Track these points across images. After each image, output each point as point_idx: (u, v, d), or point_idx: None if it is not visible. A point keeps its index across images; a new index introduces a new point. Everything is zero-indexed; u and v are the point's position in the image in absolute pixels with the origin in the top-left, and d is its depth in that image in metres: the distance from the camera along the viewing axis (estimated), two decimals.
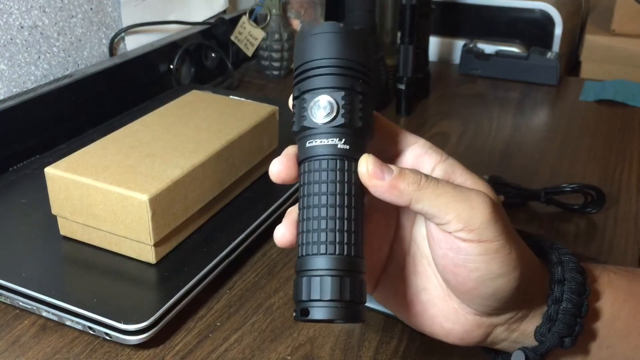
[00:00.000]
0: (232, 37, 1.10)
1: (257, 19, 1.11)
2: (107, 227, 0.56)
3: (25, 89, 0.80)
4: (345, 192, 0.33)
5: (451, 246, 0.34)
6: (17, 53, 0.79)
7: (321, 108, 0.33)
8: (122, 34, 0.94)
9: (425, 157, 0.36)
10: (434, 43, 1.16)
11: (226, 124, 0.65)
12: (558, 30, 1.09)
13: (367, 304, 0.52)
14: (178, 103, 0.70)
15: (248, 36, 1.10)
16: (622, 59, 1.22)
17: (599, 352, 0.39)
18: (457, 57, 1.15)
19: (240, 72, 1.14)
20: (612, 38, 1.23)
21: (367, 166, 0.33)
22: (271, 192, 0.67)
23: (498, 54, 1.09)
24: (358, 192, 0.34)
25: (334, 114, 0.33)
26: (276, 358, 0.51)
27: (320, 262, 0.32)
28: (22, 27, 0.79)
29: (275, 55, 1.09)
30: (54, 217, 0.59)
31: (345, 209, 0.33)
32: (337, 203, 0.33)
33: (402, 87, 0.94)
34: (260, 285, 0.59)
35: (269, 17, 1.09)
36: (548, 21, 1.09)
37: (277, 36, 1.09)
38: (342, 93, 0.33)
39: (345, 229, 0.32)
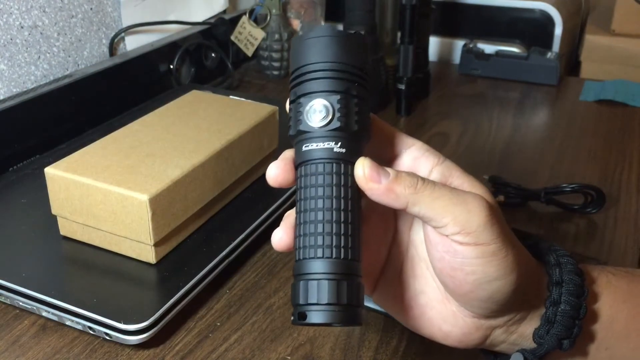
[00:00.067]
0: (232, 37, 1.10)
1: (257, 19, 1.11)
2: (107, 227, 0.56)
3: (25, 89, 0.80)
4: (342, 195, 0.33)
5: (448, 249, 0.34)
6: (17, 53, 0.79)
7: (317, 112, 0.33)
8: (122, 34, 0.94)
9: (423, 160, 0.36)
10: (434, 43, 1.16)
11: (226, 124, 0.65)
12: (558, 30, 1.09)
13: (367, 305, 0.53)
14: (178, 103, 0.70)
15: (248, 36, 1.10)
16: (622, 59, 1.22)
17: (598, 354, 0.39)
18: (457, 57, 1.15)
19: (240, 72, 1.14)
20: (612, 38, 1.23)
21: (363, 169, 0.33)
22: (271, 192, 0.67)
23: (498, 54, 1.09)
24: (355, 195, 0.34)
25: (330, 117, 0.33)
26: (276, 358, 0.51)
27: (317, 266, 0.32)
28: (22, 27, 0.79)
29: (275, 55, 1.09)
30: (54, 217, 0.59)
31: (342, 213, 0.33)
32: (334, 207, 0.33)
33: (402, 87, 0.94)
34: (260, 285, 0.59)
35: (269, 17, 1.09)
36: (548, 21, 1.09)
37: (277, 36, 1.09)
38: (338, 96, 0.33)
39: (342, 232, 0.33)
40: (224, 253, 0.58)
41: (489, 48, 1.11)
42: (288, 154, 0.35)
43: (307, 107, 0.33)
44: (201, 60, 1.04)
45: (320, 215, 0.33)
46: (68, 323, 0.52)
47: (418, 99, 1.00)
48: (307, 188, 0.33)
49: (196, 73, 1.02)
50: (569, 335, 0.37)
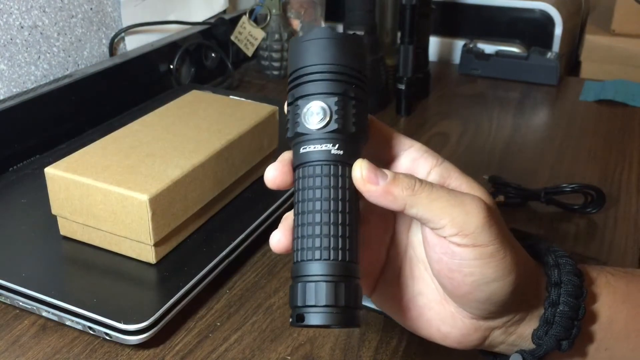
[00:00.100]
0: (232, 37, 1.10)
1: (257, 19, 1.11)
2: (107, 227, 0.56)
3: (25, 89, 0.80)
4: (340, 197, 0.33)
5: (446, 251, 0.34)
6: (17, 53, 0.79)
7: (314, 114, 0.33)
8: (122, 34, 0.94)
9: (421, 161, 0.36)
10: (434, 43, 1.16)
11: (226, 124, 0.65)
12: (558, 30, 1.09)
13: (367, 305, 0.53)
14: (178, 103, 0.70)
15: (248, 36, 1.10)
16: (622, 59, 1.22)
17: (598, 354, 0.39)
18: (457, 57, 1.15)
19: (240, 72, 1.14)
20: (612, 38, 1.23)
21: (361, 171, 0.33)
22: (271, 192, 0.66)
23: (498, 54, 1.09)
24: (352, 197, 0.34)
25: (327, 119, 0.33)
26: (276, 358, 0.51)
27: (315, 268, 0.32)
28: (22, 27, 0.79)
29: (275, 55, 1.09)
30: (54, 217, 0.59)
31: (340, 215, 0.33)
32: (332, 208, 0.33)
33: (402, 87, 0.94)
34: (260, 285, 0.59)
35: (269, 17, 1.09)
36: (548, 21, 1.09)
37: (277, 36, 1.09)
38: (335, 99, 0.33)
39: (340, 234, 0.33)
40: (224, 253, 0.58)
41: (489, 48, 1.11)
42: (286, 156, 0.35)
43: (305, 110, 0.34)
44: (201, 60, 1.04)
45: (317, 217, 0.33)
46: (68, 323, 0.52)
47: (418, 99, 1.00)
48: (304, 190, 0.33)
49: (196, 73, 1.02)
50: (568, 336, 0.37)
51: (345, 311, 0.32)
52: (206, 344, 0.52)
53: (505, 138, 0.89)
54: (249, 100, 0.72)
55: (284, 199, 0.66)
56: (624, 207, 0.71)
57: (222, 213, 0.64)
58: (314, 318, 0.32)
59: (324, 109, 0.33)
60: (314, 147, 0.33)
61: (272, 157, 0.70)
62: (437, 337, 0.38)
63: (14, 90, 0.79)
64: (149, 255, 0.56)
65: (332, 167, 0.33)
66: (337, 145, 0.33)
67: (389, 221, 0.39)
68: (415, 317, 0.38)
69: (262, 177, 0.35)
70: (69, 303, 0.51)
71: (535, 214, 0.70)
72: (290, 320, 0.33)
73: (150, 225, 0.54)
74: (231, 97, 0.76)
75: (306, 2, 1.14)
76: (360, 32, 0.92)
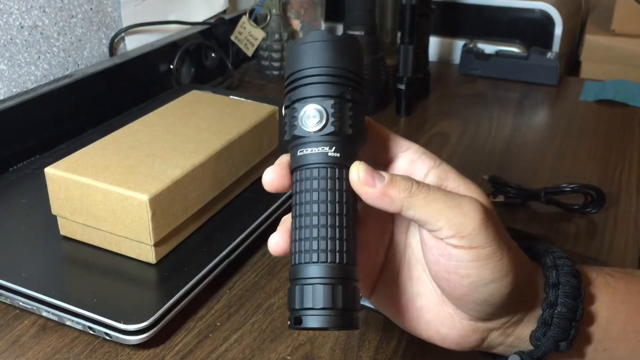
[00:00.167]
0: (232, 37, 1.10)
1: (257, 19, 1.11)
2: (107, 227, 0.56)
3: (25, 89, 0.80)
4: (337, 199, 0.33)
5: (443, 252, 0.34)
6: (17, 53, 0.79)
7: (311, 117, 0.33)
8: (122, 34, 0.94)
9: (419, 163, 0.36)
10: (434, 43, 1.16)
11: (226, 124, 0.65)
12: (558, 30, 1.09)
13: (367, 305, 0.53)
14: (178, 103, 0.70)
15: (248, 36, 1.10)
16: (622, 59, 1.22)
17: (596, 355, 0.39)
18: (457, 57, 1.15)
19: (240, 72, 1.14)
20: (612, 38, 1.23)
21: (358, 173, 0.33)
22: (271, 192, 0.67)
23: (498, 54, 1.09)
24: (350, 199, 0.34)
25: (324, 122, 0.33)
26: (276, 358, 0.51)
27: (313, 271, 0.32)
28: (22, 27, 0.79)
29: (275, 55, 1.09)
30: (54, 217, 0.59)
31: (337, 217, 0.33)
32: (329, 211, 0.33)
33: (402, 87, 0.94)
34: (260, 285, 0.59)
35: (269, 17, 1.09)
36: (548, 21, 1.09)
37: (277, 36, 1.09)
38: (332, 101, 0.33)
39: (337, 236, 0.33)
40: (224, 253, 0.58)
41: (489, 48, 1.11)
42: (284, 159, 0.36)
43: (302, 112, 0.34)
44: (201, 60, 1.04)
45: (315, 220, 0.33)
46: (68, 323, 0.52)
47: (418, 99, 1.00)
48: (302, 193, 0.34)
49: (196, 73, 1.02)
50: (566, 337, 0.37)
51: (343, 313, 0.32)
52: (206, 344, 0.52)
53: (505, 138, 0.89)
54: (249, 100, 0.72)
55: (284, 199, 0.66)
56: (624, 207, 0.71)
57: (222, 213, 0.64)
58: (312, 321, 0.32)
59: (320, 112, 0.33)
60: (311, 150, 0.33)
61: (272, 157, 0.70)
62: (435, 338, 0.38)
63: (14, 90, 0.79)
64: (149, 255, 0.56)
65: (329, 169, 0.33)
66: (334, 148, 0.33)
67: (387, 223, 0.39)
68: (413, 319, 0.38)
69: (261, 177, 0.36)
70: (69, 303, 0.51)
71: (535, 214, 0.70)
72: (289, 323, 0.33)
73: (150, 225, 0.54)
74: (231, 97, 0.76)
75: (306, 2, 1.14)
76: (360, 32, 0.92)
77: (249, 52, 1.11)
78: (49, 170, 0.56)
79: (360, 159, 0.34)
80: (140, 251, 0.56)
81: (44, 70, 0.83)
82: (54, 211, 0.58)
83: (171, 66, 0.97)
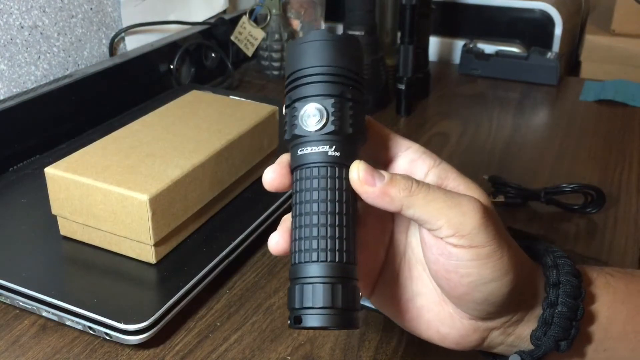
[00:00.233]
0: (232, 37, 1.10)
1: (257, 19, 1.11)
2: (107, 227, 0.56)
3: (25, 89, 0.80)
4: (337, 199, 0.33)
5: (442, 252, 0.34)
6: (17, 53, 0.79)
7: (311, 116, 0.33)
8: (122, 34, 0.94)
9: (419, 162, 0.36)
10: (434, 43, 1.16)
11: (226, 124, 0.65)
12: (558, 30, 1.09)
13: (367, 305, 0.53)
14: (178, 103, 0.70)
15: (248, 36, 1.10)
16: (622, 59, 1.22)
17: (596, 355, 0.39)
18: (457, 57, 1.15)
19: (240, 72, 1.14)
20: (612, 38, 1.23)
21: (358, 172, 0.33)
22: (271, 192, 0.67)
23: (498, 54, 1.09)
24: (350, 198, 0.34)
25: (324, 121, 0.33)
26: (276, 358, 0.51)
27: (313, 270, 0.32)
28: (22, 27, 0.79)
29: (275, 55, 1.09)
30: (54, 217, 0.59)
31: (337, 216, 0.33)
32: (329, 210, 0.33)
33: (402, 87, 0.94)
34: (260, 285, 0.59)
35: (269, 17, 1.09)
36: (548, 21, 1.09)
37: (277, 36, 1.09)
38: (332, 100, 0.33)
39: (337, 235, 0.33)
40: (224, 253, 0.58)
41: (489, 48, 1.11)
42: (284, 158, 0.36)
43: (302, 112, 0.34)
44: (201, 60, 1.04)
45: (315, 219, 0.33)
46: (68, 323, 0.52)
47: (418, 99, 1.00)
48: (302, 192, 0.34)
49: (196, 73, 1.02)
50: (567, 337, 0.37)
51: (343, 313, 0.32)
52: (206, 344, 0.52)
53: (505, 138, 0.89)
54: (249, 100, 0.72)
55: (284, 199, 0.66)
56: (624, 207, 0.71)
57: (222, 213, 0.64)
58: (312, 320, 0.32)
59: (320, 111, 0.33)
60: (311, 149, 0.33)
61: (272, 157, 0.70)
62: (435, 338, 0.38)
63: (14, 90, 0.79)
64: (149, 255, 0.56)
65: (329, 168, 0.33)
66: (334, 147, 0.33)
67: (387, 222, 0.39)
68: (414, 318, 0.38)
69: (262, 177, 0.36)
70: (69, 303, 0.51)
71: (535, 214, 0.70)
72: (289, 322, 0.33)
73: (150, 225, 0.54)
74: (231, 97, 0.76)
75: (306, 2, 1.14)
76: (360, 32, 0.92)
77: (249, 52, 1.11)
78: (49, 170, 0.56)
79: (360, 158, 0.34)
80: (140, 251, 0.56)
81: (44, 70, 0.83)
82: (54, 211, 0.58)
83: (171, 66, 0.97)
